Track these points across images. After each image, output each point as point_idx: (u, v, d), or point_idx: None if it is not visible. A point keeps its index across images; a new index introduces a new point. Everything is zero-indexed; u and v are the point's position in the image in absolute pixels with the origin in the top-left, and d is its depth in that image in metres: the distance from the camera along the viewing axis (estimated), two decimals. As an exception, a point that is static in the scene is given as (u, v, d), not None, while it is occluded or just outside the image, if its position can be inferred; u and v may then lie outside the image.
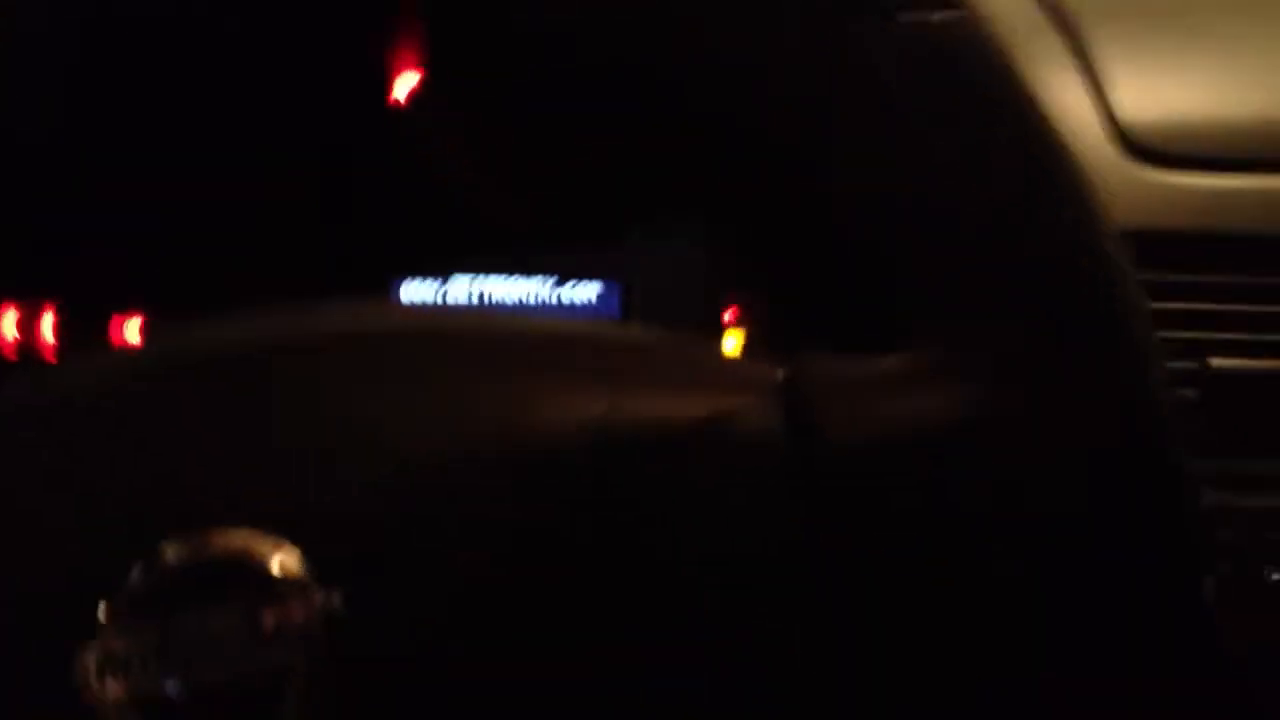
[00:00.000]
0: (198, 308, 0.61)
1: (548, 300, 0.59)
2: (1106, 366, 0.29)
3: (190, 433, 0.31)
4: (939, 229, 0.30)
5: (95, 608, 0.29)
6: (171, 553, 0.29)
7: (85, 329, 0.63)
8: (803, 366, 0.31)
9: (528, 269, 0.59)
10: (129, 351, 0.34)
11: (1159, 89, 0.56)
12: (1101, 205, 0.31)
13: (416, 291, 0.60)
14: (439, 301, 0.59)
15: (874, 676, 0.29)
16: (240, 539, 0.29)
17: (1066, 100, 0.56)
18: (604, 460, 0.30)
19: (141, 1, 0.55)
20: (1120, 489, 0.29)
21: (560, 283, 0.59)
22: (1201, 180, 0.55)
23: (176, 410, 0.32)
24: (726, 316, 0.54)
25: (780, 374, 0.31)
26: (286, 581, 0.29)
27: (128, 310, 0.63)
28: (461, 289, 0.60)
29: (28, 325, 0.63)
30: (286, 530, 0.29)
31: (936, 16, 0.30)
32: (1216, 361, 0.53)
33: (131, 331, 0.63)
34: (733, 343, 0.55)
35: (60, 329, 0.63)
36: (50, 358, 0.63)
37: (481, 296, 0.59)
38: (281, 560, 0.29)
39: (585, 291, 0.59)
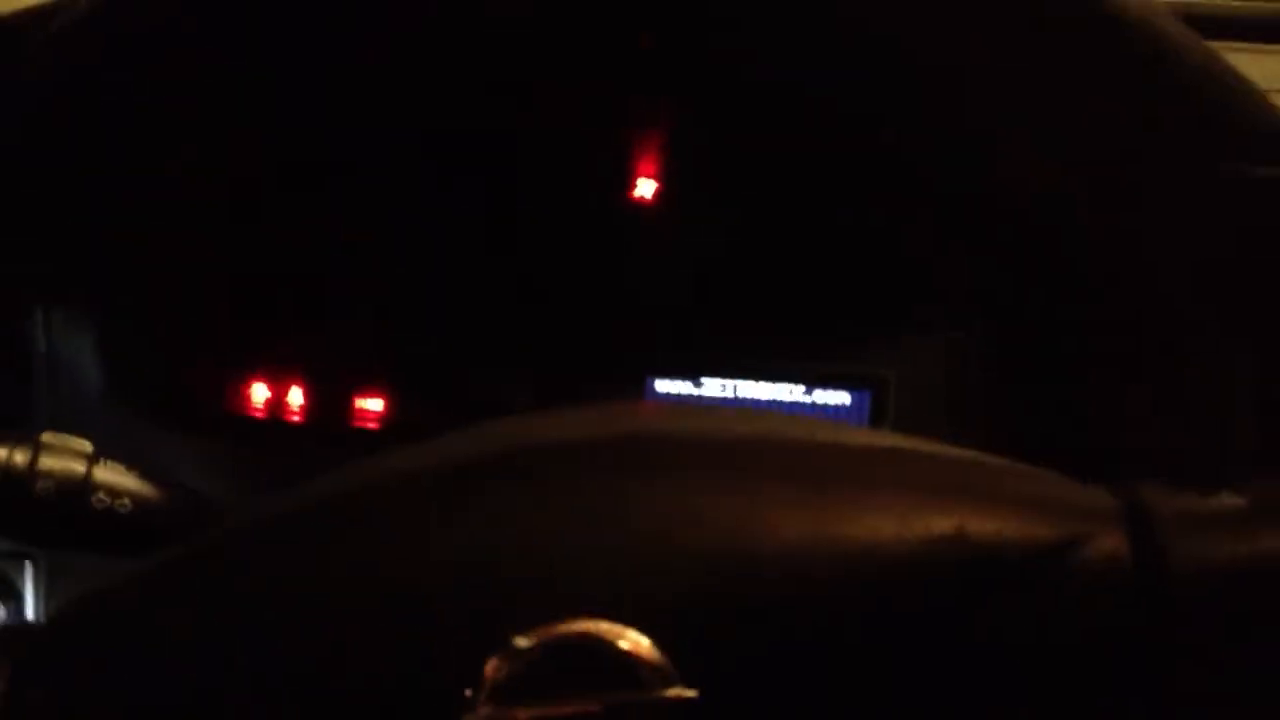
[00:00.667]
0: (437, 392, 0.64)
1: (799, 403, 0.60)
2: None
3: (537, 527, 0.32)
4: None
5: (454, 699, 0.30)
6: (526, 643, 0.30)
7: (330, 404, 0.65)
8: (1145, 497, 0.31)
9: (777, 373, 0.60)
10: (455, 441, 0.35)
11: None
12: None
13: (669, 389, 0.61)
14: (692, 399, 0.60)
15: None
16: (593, 627, 0.30)
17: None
18: (950, 580, 0.30)
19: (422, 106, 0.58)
20: None
21: (811, 387, 0.59)
22: None
23: (523, 504, 0.33)
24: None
25: (1121, 502, 0.32)
26: (645, 666, 0.29)
27: (370, 390, 0.65)
28: (714, 388, 0.61)
29: (276, 399, 0.66)
30: (638, 620, 0.30)
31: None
32: None
33: (373, 409, 0.65)
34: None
35: (307, 404, 0.65)
36: (296, 422, 0.65)
37: (734, 398, 0.60)
38: (637, 646, 0.30)
39: (836, 396, 0.59)
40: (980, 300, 0.57)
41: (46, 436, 0.43)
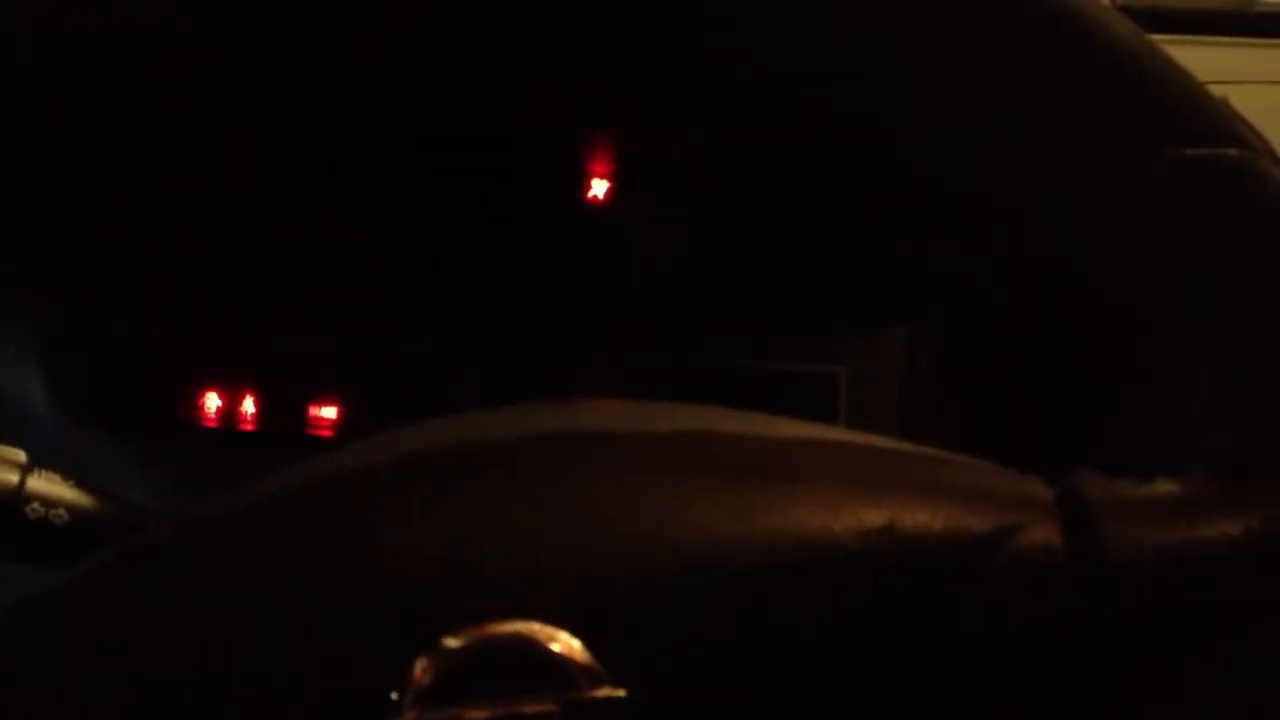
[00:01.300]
0: (390, 399, 0.64)
1: (749, 398, 0.59)
2: None
3: (467, 525, 0.32)
4: (1226, 358, 0.30)
5: (381, 701, 0.29)
6: (455, 644, 0.29)
7: (283, 412, 0.65)
8: (1079, 485, 0.31)
9: (728, 372, 0.59)
10: (395, 439, 0.35)
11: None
12: None
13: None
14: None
15: None
16: (524, 628, 0.29)
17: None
18: (882, 572, 0.30)
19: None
20: None
21: (766, 380, 0.59)
22: None
23: (453, 501, 0.32)
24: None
25: (1053, 491, 0.31)
26: (575, 667, 0.29)
27: (323, 399, 0.65)
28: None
29: (228, 408, 0.65)
30: (568, 622, 0.30)
31: (1232, 153, 0.30)
32: None
33: (326, 417, 0.65)
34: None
35: (259, 412, 0.65)
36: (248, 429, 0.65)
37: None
38: (568, 647, 0.29)
39: (791, 388, 0.59)
40: (930, 295, 0.57)
41: (-23, 447, 0.42)
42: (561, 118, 0.61)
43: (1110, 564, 0.30)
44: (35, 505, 0.42)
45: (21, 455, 0.42)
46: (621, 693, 0.29)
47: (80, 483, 0.43)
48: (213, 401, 0.65)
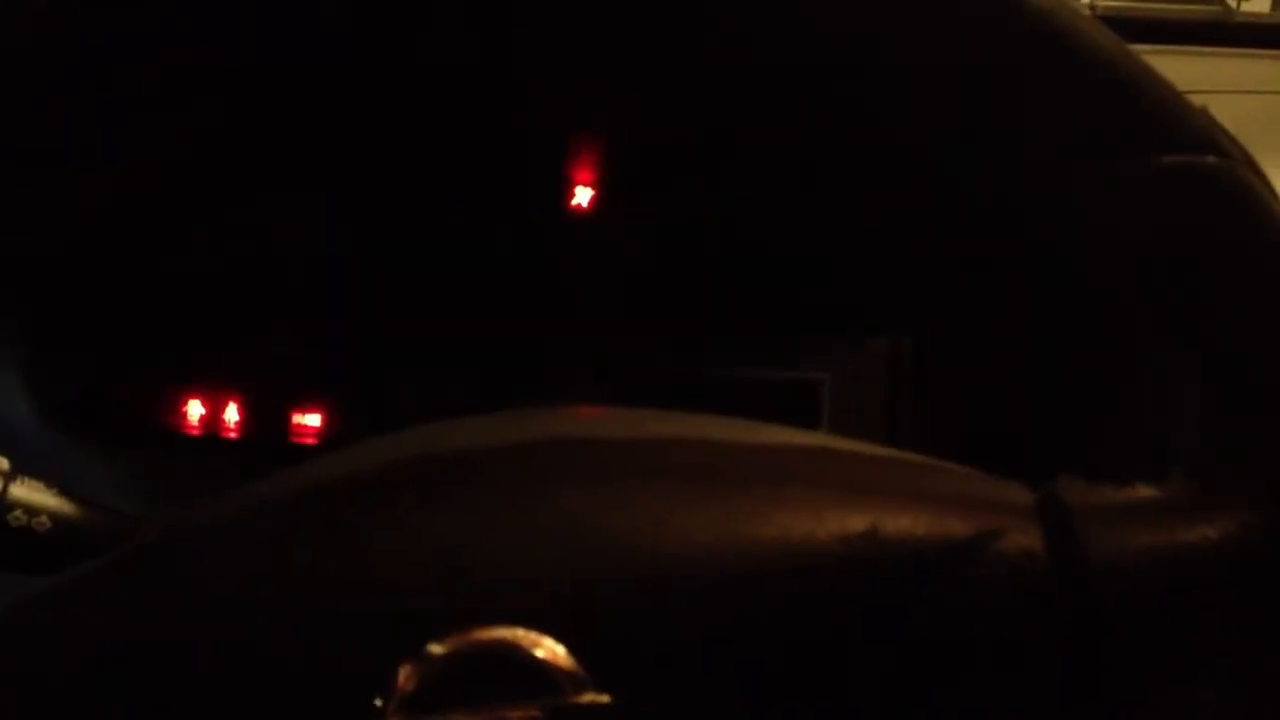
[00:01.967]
0: (374, 405, 0.64)
1: (733, 405, 0.59)
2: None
3: (452, 532, 0.32)
4: (1205, 363, 0.30)
5: (364, 705, 0.29)
6: (440, 650, 0.29)
7: (266, 419, 0.64)
8: (1060, 490, 0.31)
9: (710, 380, 0.59)
10: (382, 445, 0.35)
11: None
12: None
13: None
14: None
15: None
16: (509, 634, 0.30)
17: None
18: (865, 578, 0.30)
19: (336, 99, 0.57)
20: None
21: (750, 388, 0.59)
22: None
23: (439, 507, 0.32)
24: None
25: (1034, 496, 0.32)
26: (560, 673, 0.29)
27: (307, 404, 0.65)
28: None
29: (212, 415, 0.65)
30: (551, 629, 0.30)
31: (1208, 160, 0.31)
32: None
33: (310, 424, 0.64)
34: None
35: (243, 420, 0.65)
36: (232, 438, 0.64)
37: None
38: (553, 653, 0.29)
39: (775, 396, 0.59)
40: (914, 303, 0.57)
41: (-40, 454, 0.42)
42: (547, 121, 0.61)
43: (1090, 568, 0.30)
44: (18, 513, 0.41)
45: (4, 462, 0.42)
46: (606, 699, 0.29)
47: (64, 490, 0.43)
48: (196, 409, 0.64)
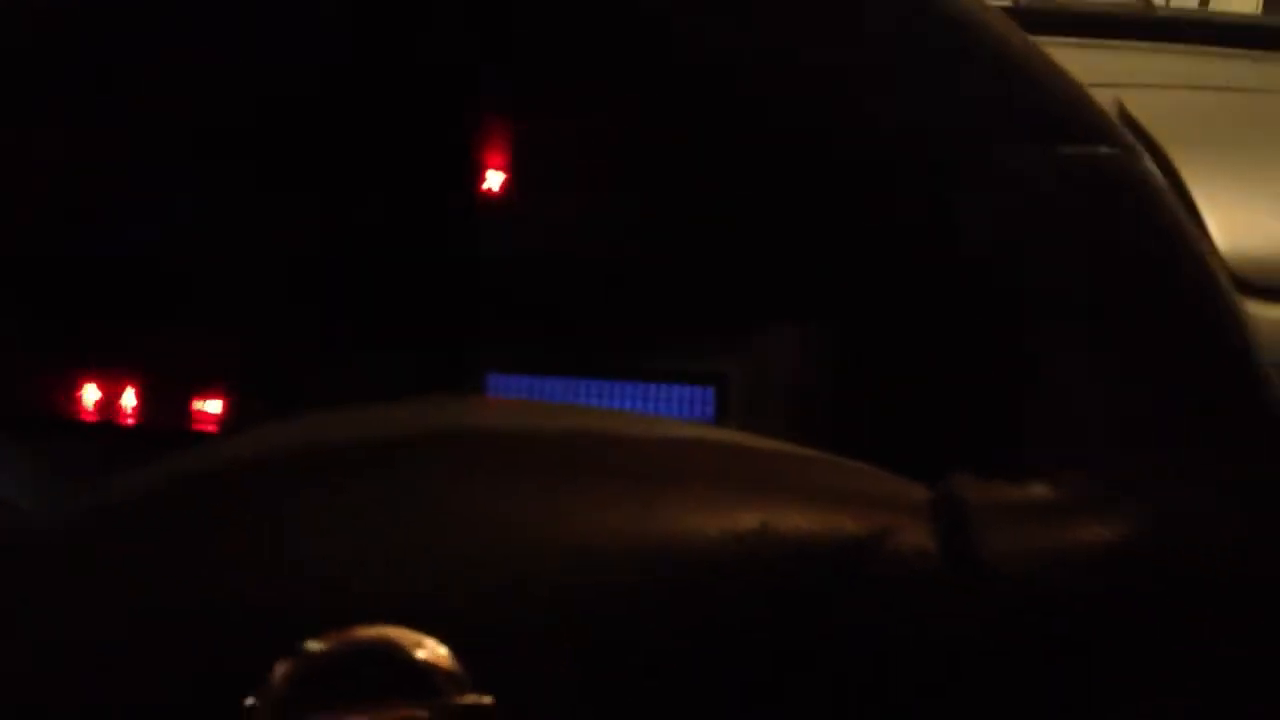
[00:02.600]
0: (277, 392, 0.62)
1: (642, 402, 0.59)
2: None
3: (333, 526, 0.31)
4: (1101, 359, 0.30)
5: (237, 704, 0.28)
6: (316, 648, 0.28)
7: (165, 406, 0.63)
8: (952, 488, 0.31)
9: (621, 370, 0.59)
10: (274, 432, 0.34)
11: (1258, 221, 0.56)
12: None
13: (508, 389, 0.59)
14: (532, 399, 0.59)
15: None
16: (387, 633, 0.29)
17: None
18: (757, 576, 0.29)
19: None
20: None
21: (655, 383, 0.58)
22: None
23: (319, 501, 0.31)
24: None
25: (927, 493, 0.31)
26: (441, 673, 0.28)
27: (208, 391, 0.63)
28: (556, 389, 0.60)
29: (108, 400, 0.63)
30: (433, 627, 0.29)
31: (1103, 151, 0.31)
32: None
33: (211, 411, 0.63)
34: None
35: (141, 406, 0.63)
36: (128, 424, 0.63)
37: (575, 397, 0.59)
38: (433, 653, 0.28)
39: (679, 393, 0.58)
40: (823, 293, 0.56)
41: None
42: (458, 106, 0.60)
43: (983, 566, 0.29)
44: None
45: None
46: (489, 700, 0.28)
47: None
48: (91, 394, 0.62)
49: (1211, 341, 0.30)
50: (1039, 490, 0.31)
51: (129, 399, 0.63)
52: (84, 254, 0.62)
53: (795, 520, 0.30)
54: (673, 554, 0.29)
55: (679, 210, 0.57)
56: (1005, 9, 0.94)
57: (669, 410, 0.59)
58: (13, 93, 0.42)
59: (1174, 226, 0.30)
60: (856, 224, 0.43)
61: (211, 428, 0.63)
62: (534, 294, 0.60)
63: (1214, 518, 0.30)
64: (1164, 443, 0.30)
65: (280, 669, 0.28)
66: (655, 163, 0.57)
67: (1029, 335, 0.32)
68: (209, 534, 0.30)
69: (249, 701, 0.28)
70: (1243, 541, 0.29)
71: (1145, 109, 0.64)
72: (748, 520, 0.30)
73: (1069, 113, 0.31)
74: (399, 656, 0.28)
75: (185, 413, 0.63)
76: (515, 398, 0.60)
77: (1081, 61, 0.85)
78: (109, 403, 0.63)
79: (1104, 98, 0.66)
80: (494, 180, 0.61)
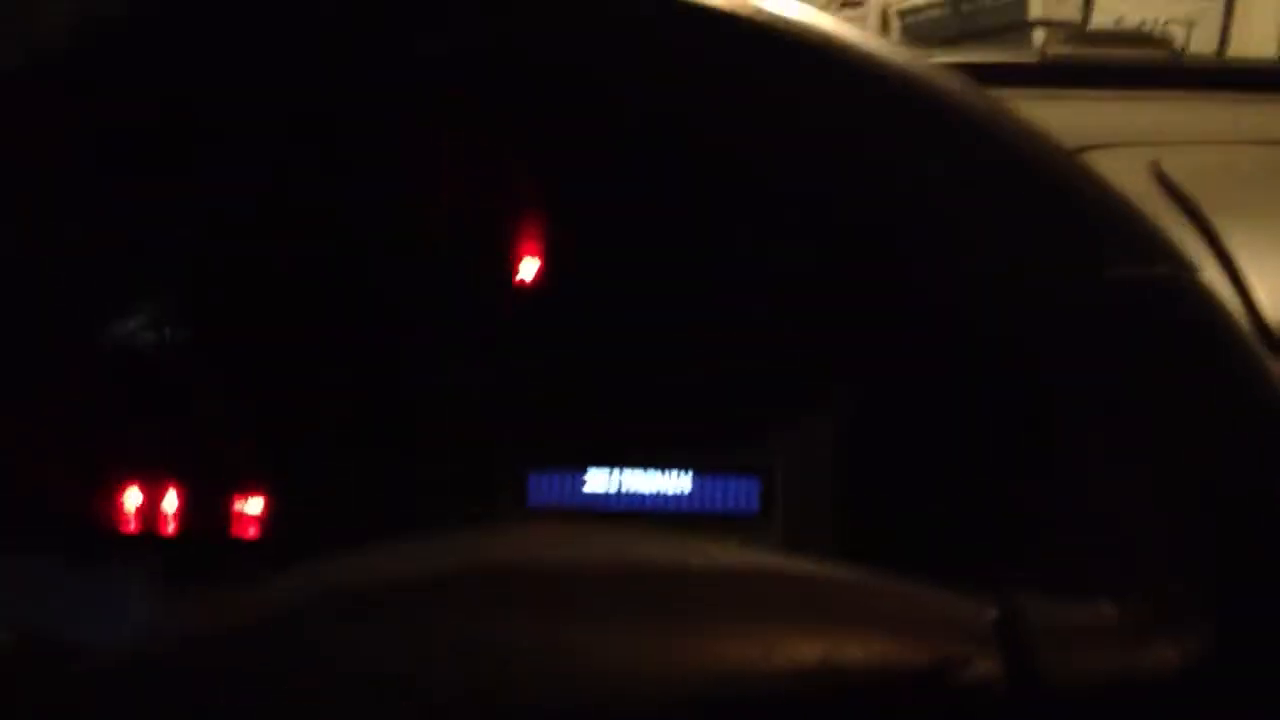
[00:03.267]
0: (320, 493, 0.62)
1: (686, 493, 0.58)
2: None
3: (385, 657, 0.30)
4: (1166, 482, 0.30)
5: None
6: None
7: (207, 508, 0.62)
8: (1018, 609, 0.30)
9: (664, 461, 0.58)
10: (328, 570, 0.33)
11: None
12: None
13: (549, 488, 0.59)
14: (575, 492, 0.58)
15: None
16: None
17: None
18: (821, 709, 0.29)
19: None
20: None
21: (699, 475, 0.58)
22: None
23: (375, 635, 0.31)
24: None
25: (993, 614, 0.30)
26: None
27: (248, 491, 0.63)
28: (599, 482, 0.59)
29: (150, 503, 0.63)
30: None
31: (1158, 270, 0.30)
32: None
33: (252, 512, 0.62)
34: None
35: (182, 509, 0.62)
36: (170, 534, 0.62)
37: (619, 490, 0.59)
38: None
39: (724, 484, 0.58)
40: (871, 383, 0.56)
41: None
42: (489, 198, 0.60)
43: (1047, 690, 0.29)
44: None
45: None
46: None
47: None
48: (134, 498, 0.62)
49: (1274, 463, 0.29)
50: (1105, 612, 0.30)
51: (170, 502, 0.63)
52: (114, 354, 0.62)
53: (860, 651, 0.29)
54: (735, 691, 0.29)
55: (721, 296, 0.57)
56: (1032, 63, 0.94)
57: (714, 501, 0.58)
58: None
59: (1236, 346, 0.30)
60: (904, 327, 0.43)
61: (253, 530, 0.63)
62: (572, 387, 0.60)
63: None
64: (1225, 560, 0.30)
65: None
66: (694, 246, 0.57)
67: (1086, 451, 0.31)
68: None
69: None
70: None
71: (1182, 169, 0.64)
72: (810, 653, 0.29)
73: (1118, 232, 0.31)
74: None
75: (227, 515, 0.63)
76: (556, 499, 0.59)
77: (1114, 118, 0.84)
78: (151, 507, 0.63)
79: (1141, 159, 0.65)
80: (528, 269, 0.61)
